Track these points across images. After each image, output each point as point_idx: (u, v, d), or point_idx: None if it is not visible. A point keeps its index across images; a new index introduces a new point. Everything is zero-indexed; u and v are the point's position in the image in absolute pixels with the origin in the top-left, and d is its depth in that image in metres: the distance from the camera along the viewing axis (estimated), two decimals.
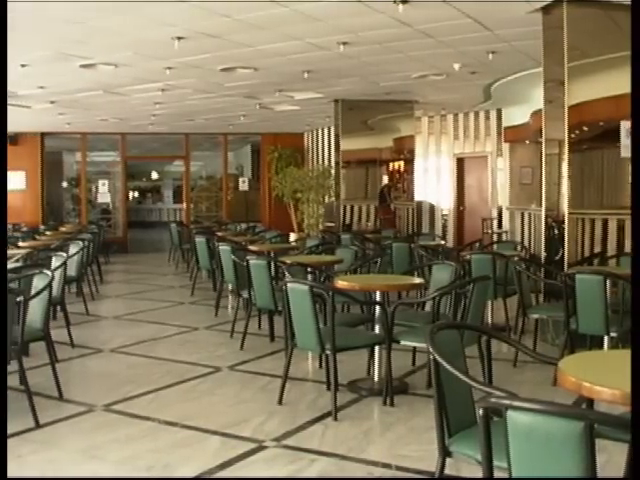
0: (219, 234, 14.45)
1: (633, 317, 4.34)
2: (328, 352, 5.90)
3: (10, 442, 5.33)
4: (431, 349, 3.45)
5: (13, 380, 6.46)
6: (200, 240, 12.67)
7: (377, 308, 6.61)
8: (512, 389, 3.24)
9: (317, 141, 22.49)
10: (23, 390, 5.92)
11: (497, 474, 2.91)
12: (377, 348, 6.50)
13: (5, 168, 6.73)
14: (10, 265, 8.68)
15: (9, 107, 15.28)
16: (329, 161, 20.41)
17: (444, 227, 19.24)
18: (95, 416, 6.02)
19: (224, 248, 9.99)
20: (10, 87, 13.34)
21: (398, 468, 4.78)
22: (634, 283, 4.88)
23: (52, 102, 15.43)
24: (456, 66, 11.59)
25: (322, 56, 10.89)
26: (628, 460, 3.38)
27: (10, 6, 8.07)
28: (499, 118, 17.59)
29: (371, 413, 6.14)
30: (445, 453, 3.63)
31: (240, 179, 25.47)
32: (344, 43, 10.04)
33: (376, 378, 6.59)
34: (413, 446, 5.18)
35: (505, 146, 17.47)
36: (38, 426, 5.67)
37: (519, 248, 11.55)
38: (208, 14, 8.57)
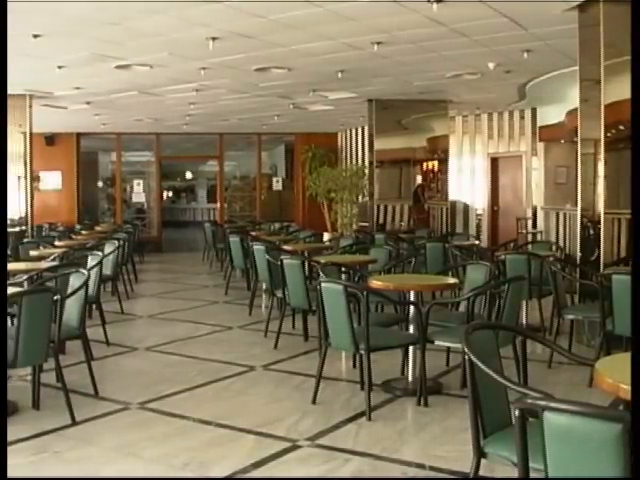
0: (253, 234, 14.48)
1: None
2: (362, 352, 5.90)
3: (47, 438, 5.42)
4: (466, 349, 3.44)
5: (50, 377, 6.55)
6: (234, 239, 12.71)
7: (411, 308, 6.60)
8: (547, 390, 3.23)
9: (351, 141, 22.47)
10: (60, 387, 5.99)
11: (533, 475, 2.90)
12: (411, 348, 6.49)
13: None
14: (47, 264, 8.76)
15: (46, 108, 15.47)
16: (363, 161, 20.37)
17: (478, 227, 19.15)
18: (130, 414, 6.06)
19: (258, 247, 10.01)
20: (47, 88, 13.51)
21: (432, 468, 4.77)
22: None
23: (88, 103, 15.56)
24: (491, 65, 11.53)
25: (356, 56, 10.88)
26: None
27: (47, 7, 8.18)
28: (534, 117, 17.46)
29: (405, 413, 6.12)
30: (480, 454, 3.62)
31: (274, 179, 25.51)
32: (378, 43, 10.03)
33: (410, 378, 6.58)
34: (447, 446, 5.16)
35: (540, 145, 17.34)
36: (74, 423, 5.72)
37: (554, 248, 11.47)
38: (242, 14, 8.59)
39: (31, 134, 15.05)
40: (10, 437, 5.34)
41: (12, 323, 7.36)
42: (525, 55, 10.64)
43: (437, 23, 8.98)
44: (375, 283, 6.60)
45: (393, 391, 6.51)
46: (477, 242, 14.34)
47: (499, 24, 9.01)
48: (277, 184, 25.06)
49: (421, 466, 4.80)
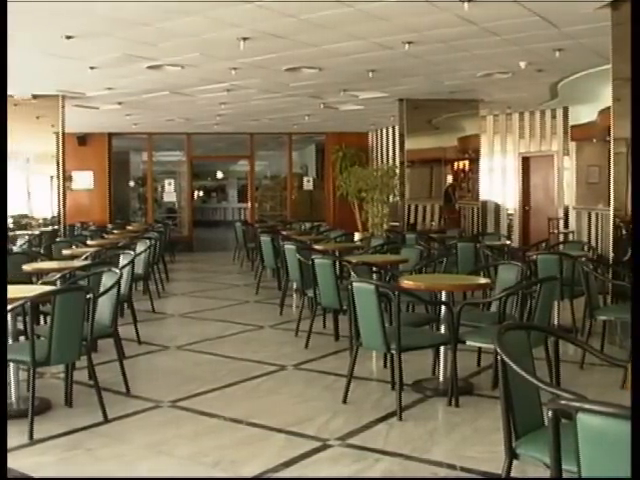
0: (284, 233, 14.50)
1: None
2: (393, 352, 5.90)
3: (79, 435, 5.47)
4: (499, 350, 3.42)
5: (82, 375, 6.61)
6: (265, 239, 12.74)
7: (443, 308, 6.58)
8: (579, 391, 3.20)
9: (381, 140, 22.43)
10: (92, 385, 6.05)
11: (565, 477, 2.88)
12: (442, 348, 6.47)
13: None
14: (79, 263, 8.82)
15: (78, 108, 15.58)
16: (393, 160, 20.34)
17: (509, 227, 19.05)
18: (162, 412, 6.10)
19: (289, 247, 10.03)
20: (79, 89, 13.62)
21: (463, 469, 4.75)
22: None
23: (120, 103, 15.67)
24: (522, 64, 11.46)
25: (387, 55, 10.86)
26: None
27: (79, 9, 8.24)
28: (565, 116, 17.35)
29: (436, 413, 6.11)
30: (512, 455, 3.60)
31: (304, 178, 25.51)
32: (409, 42, 10.00)
33: (441, 378, 6.56)
34: (478, 447, 5.14)
35: (572, 145, 17.23)
36: (106, 420, 5.77)
37: (586, 248, 11.39)
38: (273, 15, 8.61)
39: (63, 134, 15.17)
40: (43, 434, 5.42)
41: (45, 321, 7.46)
42: (557, 54, 10.58)
43: (468, 22, 8.95)
44: (406, 283, 6.58)
45: (424, 391, 6.50)
46: (508, 242, 14.27)
47: (530, 23, 8.96)
48: (308, 184, 25.06)
49: (452, 467, 4.79)
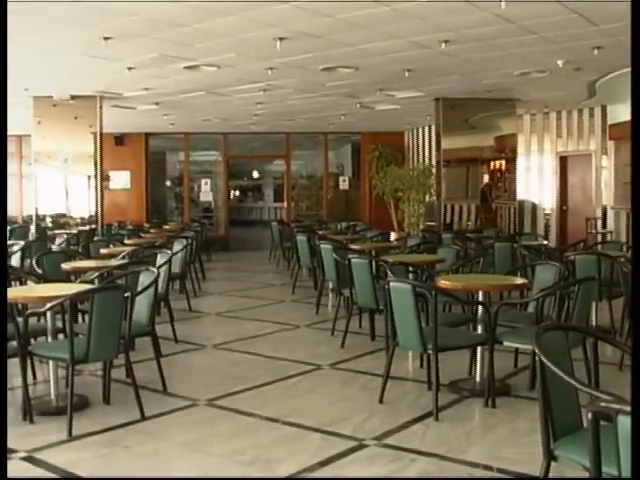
0: (320, 233, 14.51)
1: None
2: (430, 352, 5.88)
3: (117, 433, 5.53)
4: (537, 350, 3.40)
5: (119, 373, 6.67)
6: (301, 238, 12.76)
7: (479, 308, 6.56)
8: (618, 393, 3.16)
9: (417, 140, 22.37)
10: (129, 383, 6.10)
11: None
12: (479, 348, 6.44)
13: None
14: (117, 262, 8.89)
15: (115, 109, 15.70)
16: (430, 160, 20.26)
17: (546, 227, 18.91)
18: (198, 410, 6.14)
19: (325, 247, 10.03)
20: (116, 89, 13.73)
21: (499, 470, 4.73)
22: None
23: (157, 103, 15.76)
24: (560, 62, 11.37)
25: (423, 54, 10.83)
26: None
27: (118, 10, 8.31)
28: (604, 115, 17.19)
29: (472, 414, 6.08)
30: (550, 457, 3.58)
31: (340, 178, 25.49)
32: (445, 41, 9.96)
33: (478, 379, 6.54)
34: (515, 449, 5.11)
35: (610, 144, 17.05)
36: (143, 418, 5.82)
37: (625, 249, 11.27)
38: (310, 14, 8.62)
39: (101, 134, 15.29)
40: (81, 431, 5.47)
41: (83, 320, 7.53)
42: (595, 52, 10.47)
43: (505, 20, 8.89)
44: (443, 283, 6.56)
45: (460, 392, 6.47)
46: (545, 242, 14.17)
47: (569, 20, 8.88)
48: (344, 183, 25.03)
49: (488, 468, 4.77)
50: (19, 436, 5.44)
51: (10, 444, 5.24)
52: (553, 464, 3.62)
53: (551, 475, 3.68)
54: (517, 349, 7.05)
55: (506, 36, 9.74)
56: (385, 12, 8.50)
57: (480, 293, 6.73)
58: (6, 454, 4.20)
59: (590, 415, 2.74)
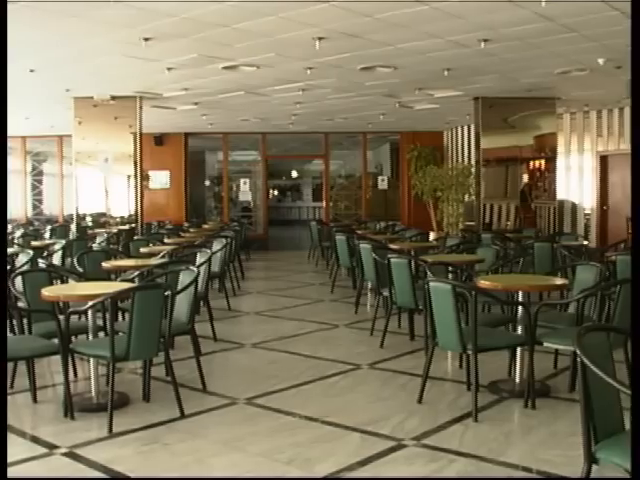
0: (359, 232, 14.50)
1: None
2: (469, 352, 5.86)
3: (157, 430, 5.57)
4: (579, 351, 3.37)
5: (159, 371, 6.72)
6: (340, 238, 12.76)
7: (519, 309, 6.52)
8: None
9: (456, 139, 22.27)
10: (169, 381, 6.15)
11: None
12: (519, 349, 6.40)
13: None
14: (157, 261, 8.96)
15: (155, 109, 15.81)
16: (469, 159, 20.18)
17: (586, 227, 18.73)
18: (237, 409, 6.16)
19: (365, 246, 10.02)
20: (156, 89, 13.83)
21: (539, 472, 4.69)
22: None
23: (196, 103, 15.85)
24: (600, 61, 11.26)
25: (462, 54, 10.79)
26: None
27: (158, 11, 8.37)
28: None
29: (512, 415, 6.04)
30: (591, 460, 3.54)
31: (379, 177, 25.44)
32: (485, 40, 9.91)
33: (517, 380, 6.50)
34: (555, 451, 5.07)
35: None
36: (183, 416, 5.85)
37: None
38: (349, 14, 8.62)
39: (141, 134, 15.42)
40: (121, 428, 5.52)
41: (123, 318, 7.59)
42: None
43: (545, 18, 8.83)
44: (483, 283, 6.53)
45: (499, 392, 6.44)
46: (586, 242, 14.05)
47: (609, 18, 8.79)
48: (382, 183, 24.98)
49: (528, 470, 4.73)
50: (60, 432, 5.51)
51: (51, 440, 5.33)
52: (594, 467, 3.59)
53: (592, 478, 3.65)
54: (557, 350, 6.99)
55: (546, 34, 9.67)
56: (424, 11, 8.48)
57: (520, 293, 6.69)
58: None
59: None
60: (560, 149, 17.56)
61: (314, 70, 11.94)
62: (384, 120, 19.43)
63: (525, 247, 10.77)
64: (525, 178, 16.82)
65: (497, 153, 16.39)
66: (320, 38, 9.68)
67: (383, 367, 7.54)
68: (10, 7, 7.99)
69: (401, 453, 5.07)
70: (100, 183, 16.05)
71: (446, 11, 8.53)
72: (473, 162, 17.40)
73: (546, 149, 16.65)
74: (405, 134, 22.99)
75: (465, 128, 21.32)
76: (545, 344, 6.18)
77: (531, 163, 16.87)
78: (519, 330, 6.51)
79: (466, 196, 18.43)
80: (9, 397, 6.43)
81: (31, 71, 11.77)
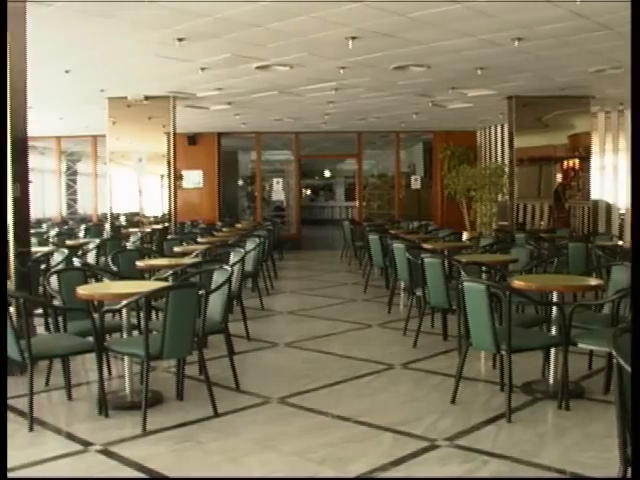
0: (391, 232, 14.48)
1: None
2: (503, 352, 5.83)
3: (190, 428, 5.60)
4: (614, 353, 3.34)
5: (193, 370, 6.75)
6: (373, 238, 12.75)
7: (554, 309, 6.47)
8: None
9: (490, 138, 22.16)
10: (202, 380, 6.17)
11: None
12: (553, 350, 6.36)
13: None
14: (191, 260, 9.00)
15: (189, 109, 15.89)
16: (502, 159, 20.08)
17: (621, 227, 18.55)
18: (270, 408, 6.17)
19: (398, 246, 10.00)
20: (190, 89, 13.89)
21: (573, 475, 4.65)
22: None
23: (229, 103, 15.91)
24: None
25: (496, 52, 10.74)
26: None
27: (191, 11, 8.41)
28: None
29: (546, 416, 6.00)
30: (627, 462, 3.51)
31: (412, 177, 25.38)
32: (519, 38, 9.86)
33: (551, 381, 6.46)
34: (589, 453, 5.02)
35: None
36: (216, 415, 5.87)
37: None
38: (382, 13, 8.61)
39: (174, 134, 15.50)
40: (155, 426, 5.56)
41: (157, 317, 7.63)
42: None
43: (579, 16, 8.76)
44: (517, 283, 6.49)
45: (533, 393, 6.40)
46: (621, 242, 13.92)
47: None
48: (415, 182, 24.91)
49: (561, 472, 4.69)
50: (95, 430, 5.56)
51: (86, 437, 5.38)
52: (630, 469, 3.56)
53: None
54: (592, 351, 6.93)
55: (580, 32, 9.60)
56: (457, 10, 8.46)
57: (554, 294, 6.65)
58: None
59: None
60: (594, 148, 17.42)
61: (347, 69, 11.95)
62: (417, 119, 19.39)
63: (559, 247, 10.70)
64: (559, 178, 16.71)
65: (531, 152, 16.29)
66: (353, 37, 9.68)
67: (416, 367, 7.52)
68: (45, 9, 8.11)
69: (434, 454, 5.06)
70: (134, 183, 16.15)
71: (479, 9, 8.51)
72: (506, 162, 17.32)
73: (580, 148, 16.51)
74: (438, 133, 22.92)
75: (498, 127, 21.21)
76: (580, 345, 6.12)
77: (565, 163, 16.74)
78: (553, 331, 6.47)
79: (499, 196, 18.34)
80: (45, 394, 6.51)
81: (66, 72, 11.87)
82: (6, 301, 5.74)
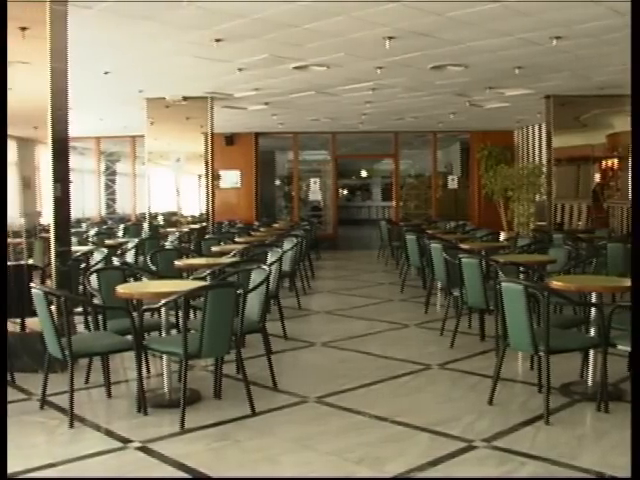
0: (429, 232, 14.44)
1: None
2: (541, 353, 5.80)
3: (228, 427, 5.64)
4: None
5: (230, 369, 6.81)
6: (411, 238, 12.72)
7: (592, 310, 6.43)
8: None
9: (527, 138, 22.03)
10: (240, 379, 6.21)
11: None
12: (591, 351, 6.31)
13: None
14: (229, 260, 9.04)
15: (227, 109, 15.98)
16: (540, 159, 19.95)
17: None
18: (308, 407, 6.19)
19: (435, 246, 9.98)
20: (227, 90, 13.96)
21: (612, 478, 4.62)
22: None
23: (266, 103, 15.97)
24: None
25: (534, 51, 10.69)
26: None
27: (229, 11, 8.46)
28: None
29: (584, 418, 5.96)
30: None
31: (449, 177, 25.29)
32: (557, 37, 9.82)
33: (590, 382, 6.41)
34: (629, 457, 4.97)
35: None
36: (254, 414, 5.90)
37: None
38: (419, 13, 8.61)
39: (212, 134, 15.60)
40: (193, 424, 5.60)
41: (195, 316, 7.68)
42: None
43: (618, 14, 8.69)
44: (555, 283, 6.45)
45: (571, 395, 6.36)
46: None
47: None
48: (452, 182, 24.83)
49: (600, 475, 4.66)
50: (134, 427, 5.61)
51: (125, 434, 5.43)
52: None
53: None
54: (631, 353, 6.87)
55: (620, 30, 9.50)
56: (495, 9, 8.44)
57: (593, 294, 6.60)
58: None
59: None
60: None
61: (384, 69, 11.95)
62: (454, 119, 19.33)
63: (598, 248, 10.61)
64: (597, 178, 16.58)
65: (569, 152, 16.18)
66: (390, 37, 9.69)
67: (453, 367, 7.50)
68: (86, 12, 8.21)
69: (472, 454, 5.04)
70: (172, 182, 16.26)
71: (517, 8, 8.48)
72: (544, 161, 17.21)
73: (619, 148, 16.37)
74: (475, 133, 22.84)
75: (536, 127, 21.08)
76: (619, 347, 6.07)
77: (603, 162, 16.62)
78: (592, 332, 6.42)
79: (537, 196, 18.22)
80: (85, 392, 6.59)
81: (105, 73, 12.00)
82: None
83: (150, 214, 16.43)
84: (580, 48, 10.56)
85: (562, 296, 6.41)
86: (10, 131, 7.23)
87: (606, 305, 6.56)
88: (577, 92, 14.85)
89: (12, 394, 6.53)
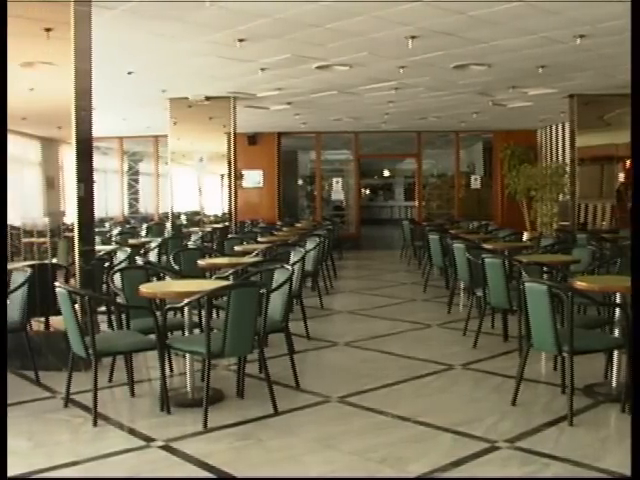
0: (451, 232, 14.41)
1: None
2: (565, 354, 5.77)
3: (251, 426, 5.64)
4: None
5: (253, 368, 6.82)
6: (433, 237, 12.70)
7: (617, 310, 6.39)
8: None
9: (551, 138, 21.92)
10: (263, 378, 6.22)
11: None
12: (616, 352, 6.27)
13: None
14: (251, 259, 9.05)
15: (249, 109, 16.01)
16: (563, 158, 19.85)
17: None
18: (330, 407, 6.19)
19: (458, 246, 9.95)
20: (250, 90, 13.99)
21: None
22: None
23: (289, 103, 15.98)
24: None
25: (557, 50, 10.64)
26: None
27: (252, 11, 8.48)
28: None
29: (608, 420, 5.92)
30: None
31: (472, 177, 25.20)
32: (581, 36, 9.76)
33: (614, 383, 6.37)
34: None
35: None
36: (277, 413, 5.91)
37: None
38: (442, 12, 8.59)
39: (235, 134, 15.64)
40: (216, 423, 5.61)
41: (217, 315, 7.70)
42: None
43: None
44: (579, 284, 6.41)
45: (595, 396, 6.32)
46: None
47: None
48: (475, 182, 24.74)
49: (624, 477, 4.61)
50: (157, 426, 5.63)
51: (148, 433, 5.45)
52: None
53: None
54: None
55: None
56: (518, 7, 8.40)
57: (618, 295, 6.55)
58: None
59: None
60: None
61: (407, 69, 11.93)
62: (477, 119, 19.27)
63: (622, 247, 10.54)
64: (621, 177, 16.46)
65: (592, 152, 16.09)
66: (413, 37, 9.67)
67: (476, 368, 7.47)
68: (109, 13, 8.25)
69: (495, 455, 5.02)
70: (194, 182, 16.31)
71: (541, 7, 8.44)
72: (568, 161, 17.13)
73: None
74: (498, 133, 22.76)
75: (559, 126, 20.96)
76: None
77: (628, 162, 16.50)
78: (616, 332, 6.38)
79: (560, 195, 18.13)
80: (108, 390, 6.62)
81: (129, 73, 12.06)
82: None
83: (173, 214, 16.49)
84: (604, 47, 10.49)
85: (586, 296, 6.37)
86: (34, 131, 7.29)
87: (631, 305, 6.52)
88: (601, 91, 14.76)
89: (36, 392, 6.59)
